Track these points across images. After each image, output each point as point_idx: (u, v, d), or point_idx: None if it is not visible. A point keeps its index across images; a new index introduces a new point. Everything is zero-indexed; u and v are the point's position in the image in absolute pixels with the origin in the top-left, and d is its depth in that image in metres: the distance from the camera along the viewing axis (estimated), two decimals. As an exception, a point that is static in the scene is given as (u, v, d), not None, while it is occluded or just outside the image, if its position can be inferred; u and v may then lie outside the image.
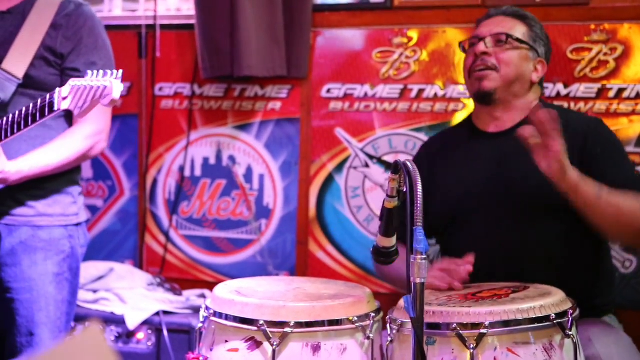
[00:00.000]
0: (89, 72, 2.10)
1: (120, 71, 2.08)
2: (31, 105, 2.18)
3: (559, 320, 1.95)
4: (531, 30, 2.58)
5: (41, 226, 2.46)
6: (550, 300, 1.99)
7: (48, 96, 2.14)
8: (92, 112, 2.41)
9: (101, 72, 2.08)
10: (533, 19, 2.62)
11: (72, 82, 2.10)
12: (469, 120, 2.70)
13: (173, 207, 3.56)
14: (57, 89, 2.13)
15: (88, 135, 2.47)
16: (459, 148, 2.64)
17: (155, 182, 3.59)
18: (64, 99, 2.11)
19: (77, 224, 2.55)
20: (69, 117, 2.51)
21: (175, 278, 3.52)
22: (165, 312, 3.20)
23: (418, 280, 1.74)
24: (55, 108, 2.13)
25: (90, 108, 2.09)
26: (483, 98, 2.55)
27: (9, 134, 2.23)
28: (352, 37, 3.31)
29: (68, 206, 2.52)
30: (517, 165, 2.47)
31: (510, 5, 2.67)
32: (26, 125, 2.19)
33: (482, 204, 2.50)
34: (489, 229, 2.48)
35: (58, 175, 2.47)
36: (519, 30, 2.57)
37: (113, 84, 2.04)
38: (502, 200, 2.47)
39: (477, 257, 2.34)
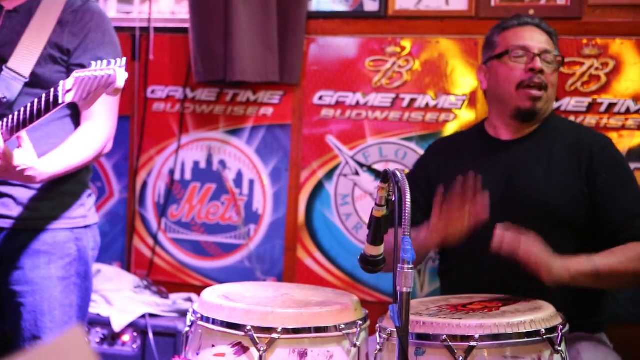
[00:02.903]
0: (93, 63, 2.01)
1: (124, 59, 1.99)
2: (35, 100, 2.10)
3: (549, 336, 1.94)
4: (557, 48, 2.61)
5: (45, 229, 2.41)
6: (540, 315, 1.99)
7: (52, 90, 2.07)
8: (103, 110, 2.37)
9: (105, 61, 1.99)
10: (556, 35, 2.63)
11: (76, 73, 2.02)
12: (479, 127, 2.71)
13: (162, 210, 3.56)
14: (61, 82, 2.06)
15: (103, 133, 2.41)
16: (469, 153, 2.65)
17: (145, 184, 3.59)
18: (68, 91, 2.03)
19: (86, 227, 2.50)
20: (75, 117, 2.45)
21: (163, 281, 3.52)
22: (151, 315, 3.19)
23: (404, 290, 1.74)
24: (60, 101, 2.05)
25: (95, 98, 2.01)
26: (527, 116, 2.54)
27: (16, 132, 2.13)
28: (345, 45, 3.32)
29: (75, 208, 2.46)
30: (528, 175, 2.48)
31: (540, 18, 2.64)
32: (32, 121, 2.10)
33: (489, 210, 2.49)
34: (491, 235, 2.47)
35: (66, 177, 2.40)
36: (556, 49, 2.59)
37: (117, 72, 1.96)
38: (507, 205, 2.46)
39: (477, 264, 2.34)
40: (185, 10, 3.50)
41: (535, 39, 2.56)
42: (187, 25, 3.41)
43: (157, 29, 3.56)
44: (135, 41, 3.57)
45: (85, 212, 2.51)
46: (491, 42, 2.65)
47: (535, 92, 2.51)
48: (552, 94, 2.56)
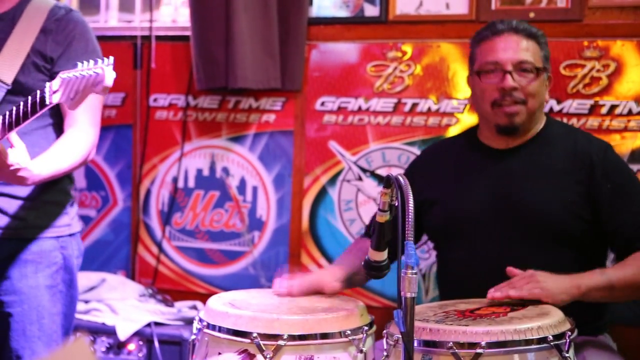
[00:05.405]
0: (79, 63, 2.01)
1: (112, 58, 1.99)
2: (21, 103, 2.10)
3: (557, 342, 1.92)
4: (542, 49, 2.47)
5: (31, 238, 2.41)
6: (548, 321, 1.97)
7: (38, 92, 2.07)
8: (86, 118, 2.38)
9: (91, 61, 2.00)
10: (542, 35, 2.50)
11: (62, 74, 2.03)
12: (472, 133, 2.63)
13: (166, 218, 3.56)
14: (47, 84, 2.06)
15: (88, 140, 2.41)
16: (460, 160, 2.59)
17: (148, 192, 3.59)
18: (55, 92, 2.03)
19: (70, 235, 2.51)
20: (57, 126, 2.45)
21: (167, 289, 3.52)
22: (157, 323, 3.19)
23: (409, 295, 1.74)
24: (47, 102, 2.05)
25: (82, 98, 2.01)
26: (508, 132, 2.46)
27: (2, 135, 2.13)
28: (346, 51, 3.33)
29: (59, 217, 2.47)
30: (523, 186, 2.43)
31: (518, 20, 2.51)
32: (18, 124, 2.10)
33: (483, 218, 2.45)
34: (488, 244, 2.43)
35: (49, 186, 2.42)
36: (536, 53, 2.45)
37: (105, 70, 1.96)
38: (504, 217, 2.42)
39: (476, 272, 2.33)
40: (186, 18, 3.50)
41: (509, 50, 2.42)
42: (188, 33, 3.42)
43: (158, 37, 3.56)
44: (136, 50, 3.58)
45: (69, 220, 2.51)
46: (471, 55, 2.55)
47: (510, 109, 2.41)
48: (536, 103, 2.44)
